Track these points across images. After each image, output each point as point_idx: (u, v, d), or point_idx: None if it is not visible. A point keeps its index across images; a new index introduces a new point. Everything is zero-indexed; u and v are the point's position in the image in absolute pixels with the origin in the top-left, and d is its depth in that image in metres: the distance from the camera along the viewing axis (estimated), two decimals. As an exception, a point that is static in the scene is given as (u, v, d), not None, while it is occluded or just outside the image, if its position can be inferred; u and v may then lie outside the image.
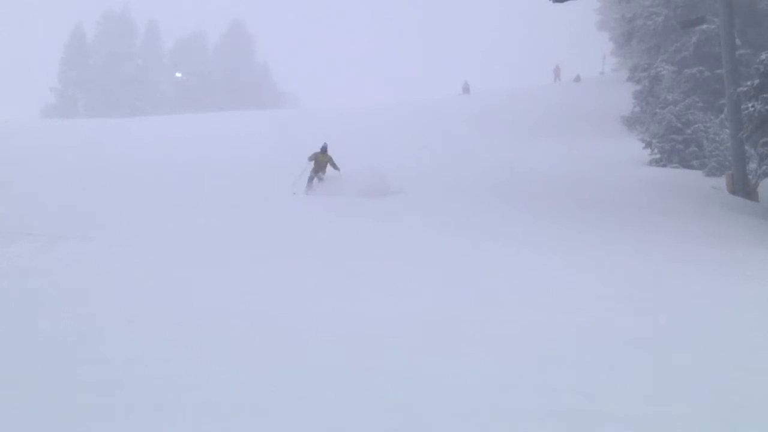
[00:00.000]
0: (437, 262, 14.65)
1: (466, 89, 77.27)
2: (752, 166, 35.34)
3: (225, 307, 9.14)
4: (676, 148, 42.33)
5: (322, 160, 25.86)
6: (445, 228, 19.55)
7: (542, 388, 6.30)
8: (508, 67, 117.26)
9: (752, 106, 31.32)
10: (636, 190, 31.00)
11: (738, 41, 39.02)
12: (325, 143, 26.22)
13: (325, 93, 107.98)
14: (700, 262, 16.19)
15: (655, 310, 10.59)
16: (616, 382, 6.74)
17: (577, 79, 74.82)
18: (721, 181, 36.71)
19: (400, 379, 6.15)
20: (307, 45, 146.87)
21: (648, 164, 42.07)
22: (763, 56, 30.97)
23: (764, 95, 30.66)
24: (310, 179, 25.47)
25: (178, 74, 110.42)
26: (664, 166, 41.60)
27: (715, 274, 14.69)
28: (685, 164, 41.54)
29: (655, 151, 43.02)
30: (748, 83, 32.49)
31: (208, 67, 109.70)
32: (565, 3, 34.96)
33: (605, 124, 51.84)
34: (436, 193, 25.46)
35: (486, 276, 13.36)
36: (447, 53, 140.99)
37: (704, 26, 44.08)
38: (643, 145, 43.91)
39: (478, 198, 25.45)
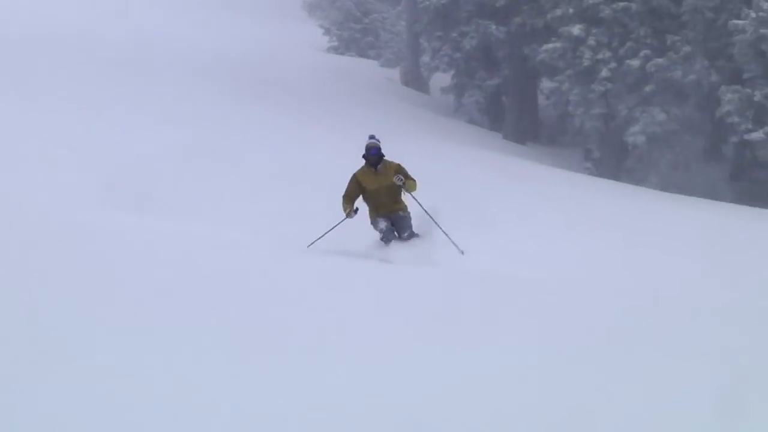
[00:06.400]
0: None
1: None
2: (426, 59, 36.61)
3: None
4: (354, 36, 42.76)
5: (379, 184, 10.52)
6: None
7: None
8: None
9: (428, 0, 32.10)
10: (318, 77, 30.78)
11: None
12: (372, 140, 10.61)
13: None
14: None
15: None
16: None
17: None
18: (395, 73, 37.75)
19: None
20: None
21: (326, 51, 42.13)
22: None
23: (442, -10, 31.49)
24: (384, 233, 10.50)
25: None
26: (342, 54, 41.90)
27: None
28: (362, 53, 42.15)
29: (334, 38, 43.18)
30: (424, -24, 33.18)
31: None
32: None
33: (285, 7, 50.92)
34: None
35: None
36: None
37: None
38: (323, 31, 43.86)
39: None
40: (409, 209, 10.44)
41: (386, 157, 10.39)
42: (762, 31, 22.39)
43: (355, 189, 10.37)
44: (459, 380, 4.67)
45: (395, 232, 10.35)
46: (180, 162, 14.42)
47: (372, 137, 10.49)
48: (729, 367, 5.31)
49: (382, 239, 10.28)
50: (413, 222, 10.40)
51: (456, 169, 16.96)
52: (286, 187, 13.88)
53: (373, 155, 10.30)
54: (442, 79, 34.63)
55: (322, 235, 10.21)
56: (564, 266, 10.43)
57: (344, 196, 10.35)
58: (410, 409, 4.21)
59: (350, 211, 10.21)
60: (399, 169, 10.32)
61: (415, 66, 37.30)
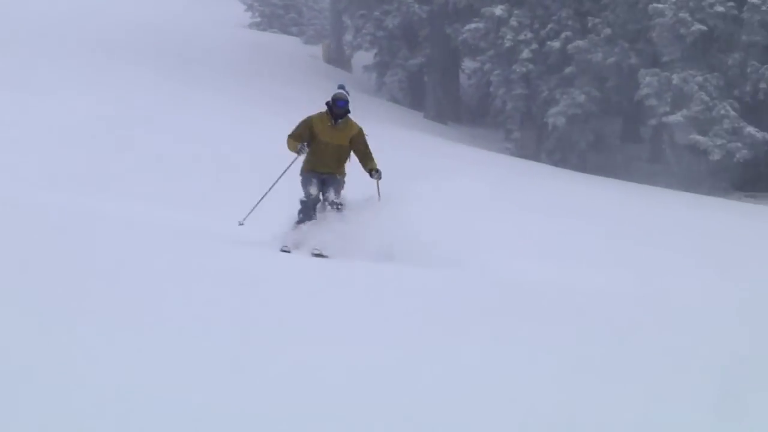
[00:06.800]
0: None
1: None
2: (348, 37, 36.27)
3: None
4: (276, 13, 42.17)
5: (331, 139, 8.96)
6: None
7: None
8: None
9: (352, -23, 31.81)
10: (239, 54, 30.21)
11: None
12: (342, 90, 8.89)
13: None
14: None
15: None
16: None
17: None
18: (318, 50, 37.34)
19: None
20: None
21: (248, 27, 41.46)
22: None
23: (364, -34, 31.20)
24: (307, 204, 8.94)
25: None
26: (264, 30, 41.30)
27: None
28: (285, 30, 41.61)
29: (256, 14, 42.54)
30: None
31: None
32: None
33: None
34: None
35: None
36: None
37: None
38: (245, 7, 43.16)
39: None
40: (345, 176, 8.94)
41: (351, 116, 8.87)
42: (681, 14, 22.68)
43: (305, 132, 8.80)
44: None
45: (319, 196, 8.81)
46: (93, 136, 14.02)
47: (341, 87, 8.88)
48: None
49: (301, 203, 8.76)
50: (343, 192, 8.89)
51: (377, 150, 16.79)
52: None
53: (340, 107, 8.70)
54: (364, 57, 34.30)
55: (262, 197, 9.01)
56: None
57: (290, 136, 8.83)
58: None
59: (301, 147, 8.71)
60: (359, 136, 8.85)
61: (337, 44, 36.93)
